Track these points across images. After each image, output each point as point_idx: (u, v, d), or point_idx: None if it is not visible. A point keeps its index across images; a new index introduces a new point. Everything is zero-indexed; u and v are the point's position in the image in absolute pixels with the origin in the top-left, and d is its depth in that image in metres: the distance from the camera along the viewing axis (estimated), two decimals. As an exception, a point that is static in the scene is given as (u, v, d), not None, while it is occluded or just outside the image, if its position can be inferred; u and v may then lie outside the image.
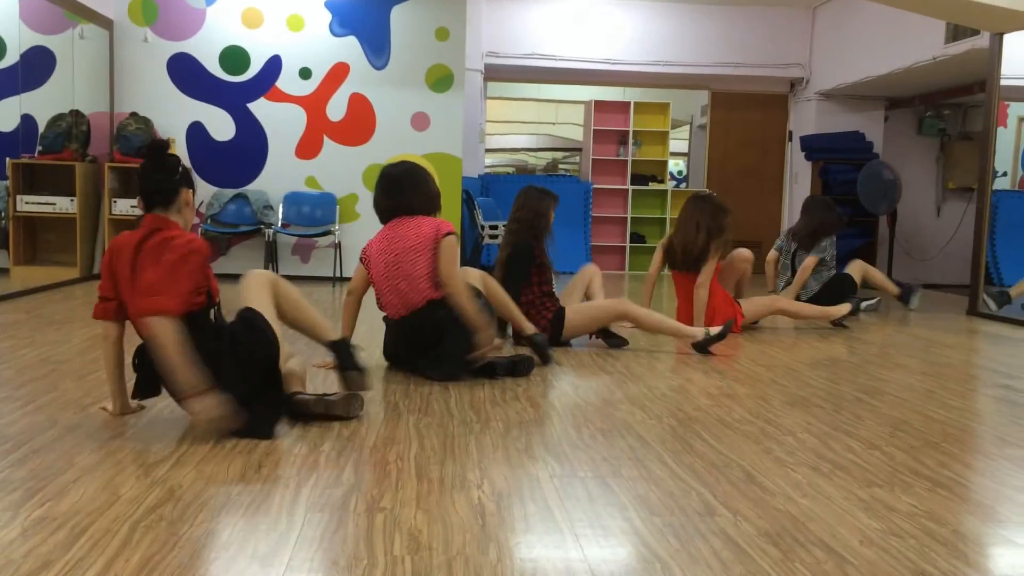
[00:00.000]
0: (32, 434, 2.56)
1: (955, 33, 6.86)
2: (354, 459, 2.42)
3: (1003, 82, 6.19)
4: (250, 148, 7.33)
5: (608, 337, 4.55)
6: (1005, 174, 8.02)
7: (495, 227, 7.89)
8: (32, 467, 2.27)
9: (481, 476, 2.31)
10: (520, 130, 13.27)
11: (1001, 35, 6.06)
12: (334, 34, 7.42)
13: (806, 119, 9.33)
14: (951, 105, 9.13)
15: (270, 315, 2.74)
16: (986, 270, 6.58)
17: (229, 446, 2.50)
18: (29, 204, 6.53)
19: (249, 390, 2.63)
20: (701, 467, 2.45)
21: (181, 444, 2.51)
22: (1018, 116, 8.07)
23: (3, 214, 6.53)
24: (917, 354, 4.57)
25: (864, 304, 6.23)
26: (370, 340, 4.12)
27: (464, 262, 7.87)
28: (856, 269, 6.23)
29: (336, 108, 7.43)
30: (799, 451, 2.64)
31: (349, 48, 7.43)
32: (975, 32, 6.53)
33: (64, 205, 6.60)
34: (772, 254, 6.36)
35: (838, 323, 5.42)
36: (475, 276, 3.91)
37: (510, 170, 12.57)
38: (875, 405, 3.31)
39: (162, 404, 2.95)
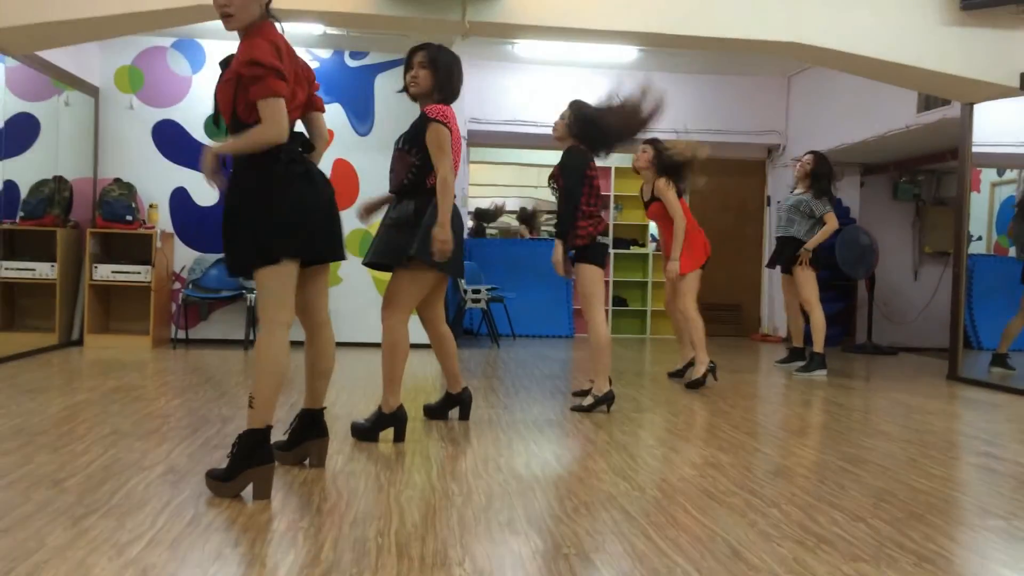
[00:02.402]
0: (3, 511, 2.50)
1: (927, 103, 7.03)
2: (333, 535, 2.38)
3: (975, 149, 6.33)
4: (233, 213, 7.32)
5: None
6: (980, 238, 8.15)
7: (477, 291, 7.91)
8: (1, 547, 2.21)
9: (463, 553, 2.27)
10: (503, 193, 13.38)
11: (971, 105, 6.22)
12: (318, 101, 7.49)
13: (783, 184, 9.46)
14: (925, 171, 9.30)
15: None
16: (964, 333, 6.65)
17: (205, 522, 2.45)
18: (9, 270, 6.49)
19: None
20: (686, 541, 2.42)
21: (156, 520, 2.46)
22: (991, 182, 8.23)
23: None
24: (899, 420, 4.58)
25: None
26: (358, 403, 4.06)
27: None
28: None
29: (320, 174, 7.47)
30: (784, 524, 2.62)
31: (333, 115, 7.51)
32: (946, 102, 6.70)
33: (44, 271, 6.56)
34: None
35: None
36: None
37: (494, 232, 12.64)
38: (859, 474, 3.30)
39: (137, 478, 2.91)
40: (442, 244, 3.55)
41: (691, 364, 5.64)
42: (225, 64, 2.85)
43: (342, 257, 2.97)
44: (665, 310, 5.94)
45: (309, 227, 2.80)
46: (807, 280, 6.41)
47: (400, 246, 3.62)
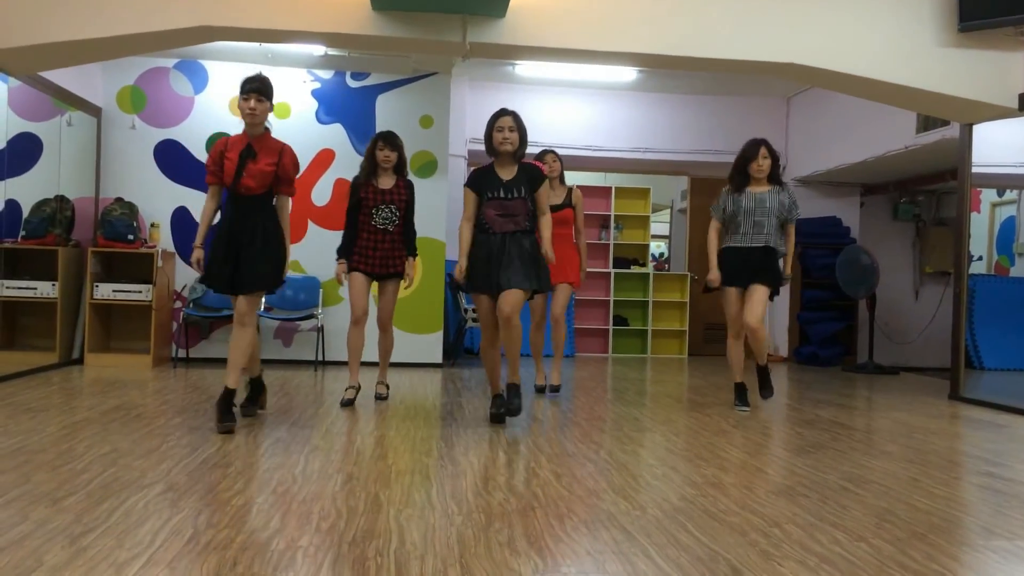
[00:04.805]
0: (0, 531, 2.49)
1: (926, 123, 7.05)
2: (332, 555, 2.37)
3: (974, 170, 6.35)
4: (234, 232, 7.34)
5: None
6: (980, 258, 8.16)
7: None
8: (-1, 566, 2.20)
9: (462, 573, 2.26)
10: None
11: (970, 125, 6.24)
12: (320, 122, 7.54)
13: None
14: (925, 191, 9.33)
15: None
16: (966, 353, 6.63)
17: (204, 540, 2.44)
18: (10, 289, 6.50)
19: None
20: (687, 562, 2.41)
21: (155, 539, 2.45)
22: (991, 202, 8.26)
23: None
24: (900, 440, 4.56)
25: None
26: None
27: (447, 346, 7.86)
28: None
29: (321, 193, 7.51)
30: (785, 543, 2.61)
31: (335, 135, 7.55)
32: (945, 123, 6.72)
33: (45, 289, 6.57)
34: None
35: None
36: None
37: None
38: (860, 494, 3.29)
39: (136, 497, 2.90)
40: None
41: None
42: (250, 154, 4.23)
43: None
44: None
45: None
46: (764, 298, 5.37)
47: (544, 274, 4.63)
